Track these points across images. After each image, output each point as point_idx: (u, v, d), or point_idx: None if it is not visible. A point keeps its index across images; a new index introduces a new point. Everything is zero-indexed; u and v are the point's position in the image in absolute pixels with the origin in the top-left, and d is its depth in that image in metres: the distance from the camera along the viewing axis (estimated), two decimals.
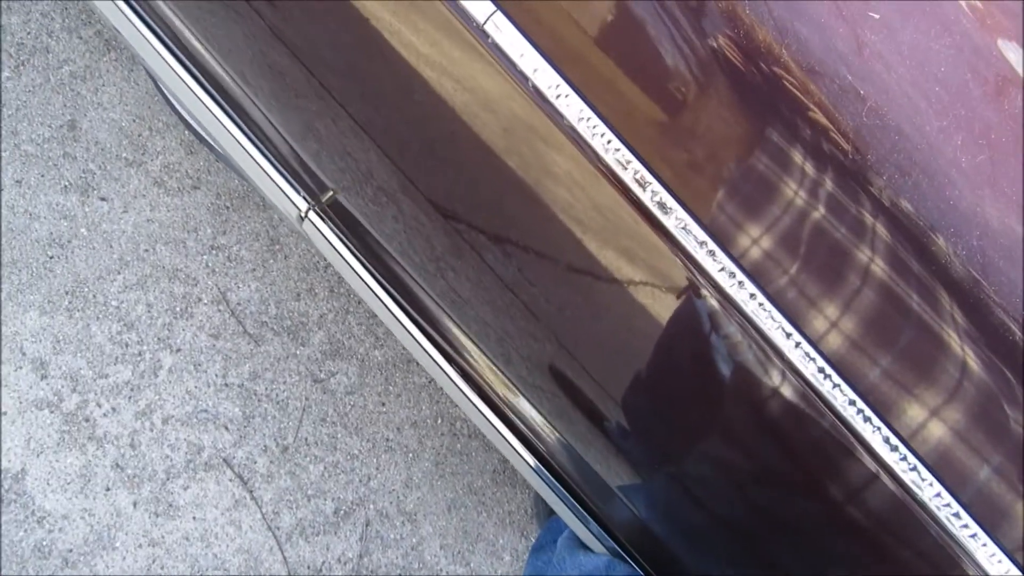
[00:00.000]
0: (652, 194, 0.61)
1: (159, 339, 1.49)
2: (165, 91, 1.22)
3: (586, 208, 0.68)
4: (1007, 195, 0.55)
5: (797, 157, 0.57)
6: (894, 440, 0.58)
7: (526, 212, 0.74)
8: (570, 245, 0.71)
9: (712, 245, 0.60)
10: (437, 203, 0.86)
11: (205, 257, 1.52)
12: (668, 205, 0.60)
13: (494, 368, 0.97)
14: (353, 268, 1.00)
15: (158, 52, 0.98)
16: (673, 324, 0.68)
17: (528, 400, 0.96)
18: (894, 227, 0.55)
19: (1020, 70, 0.55)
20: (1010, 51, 0.55)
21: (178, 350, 1.49)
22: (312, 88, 0.89)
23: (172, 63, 0.99)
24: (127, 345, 1.48)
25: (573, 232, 0.70)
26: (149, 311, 1.49)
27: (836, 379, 0.59)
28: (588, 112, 0.62)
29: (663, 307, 0.67)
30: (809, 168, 0.57)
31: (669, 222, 0.61)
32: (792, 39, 0.55)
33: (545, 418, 0.95)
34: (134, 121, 1.53)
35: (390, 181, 0.89)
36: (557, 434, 0.96)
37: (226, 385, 1.49)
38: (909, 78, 0.55)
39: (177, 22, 0.97)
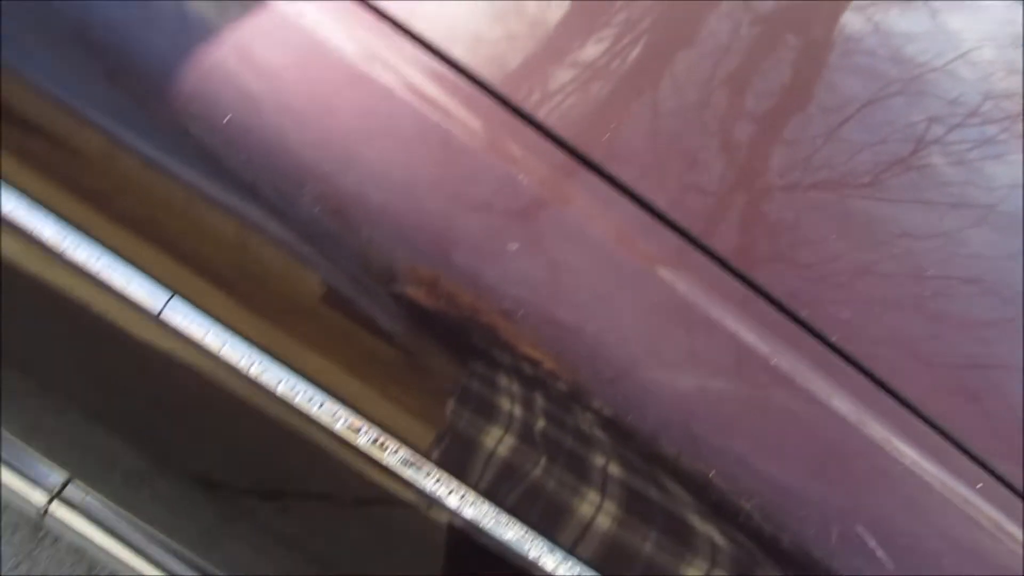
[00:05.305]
0: (368, 438, 0.62)
1: None
2: None
3: (332, 462, 0.68)
4: (679, 365, 0.62)
5: (500, 381, 0.60)
6: None
7: (292, 462, 0.73)
8: (346, 484, 0.70)
9: (438, 473, 0.62)
10: (196, 476, 0.82)
11: None
12: (386, 444, 0.62)
13: None
14: (114, 555, 0.92)
15: None
16: (447, 549, 0.68)
17: None
18: (614, 431, 0.60)
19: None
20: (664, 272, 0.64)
21: None
22: (28, 386, 0.84)
23: None
24: None
25: (348, 469, 0.69)
26: None
27: None
28: (285, 375, 0.63)
29: (436, 535, 0.67)
30: (511, 386, 0.60)
31: (392, 460, 0.62)
32: (478, 285, 0.60)
33: None
34: None
35: (137, 463, 0.84)
36: None
37: None
38: (561, 292, 0.61)
39: None
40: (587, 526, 0.61)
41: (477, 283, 0.60)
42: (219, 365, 0.64)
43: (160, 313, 0.63)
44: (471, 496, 0.61)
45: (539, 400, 0.60)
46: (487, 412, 0.61)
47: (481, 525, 0.61)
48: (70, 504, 0.91)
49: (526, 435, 0.61)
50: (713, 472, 0.59)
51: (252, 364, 0.62)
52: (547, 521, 0.62)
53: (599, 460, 0.60)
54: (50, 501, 0.91)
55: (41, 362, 0.81)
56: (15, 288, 0.72)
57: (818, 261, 0.74)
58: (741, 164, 0.79)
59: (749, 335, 0.64)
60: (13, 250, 0.70)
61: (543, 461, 0.61)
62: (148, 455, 0.82)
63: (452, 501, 0.62)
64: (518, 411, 0.61)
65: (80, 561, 1.39)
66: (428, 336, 0.62)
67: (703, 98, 0.81)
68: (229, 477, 0.80)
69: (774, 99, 0.87)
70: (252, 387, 0.64)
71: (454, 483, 0.61)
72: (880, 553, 0.59)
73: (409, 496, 0.67)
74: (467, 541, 0.66)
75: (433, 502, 0.62)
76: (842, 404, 0.63)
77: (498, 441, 0.62)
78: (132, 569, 0.92)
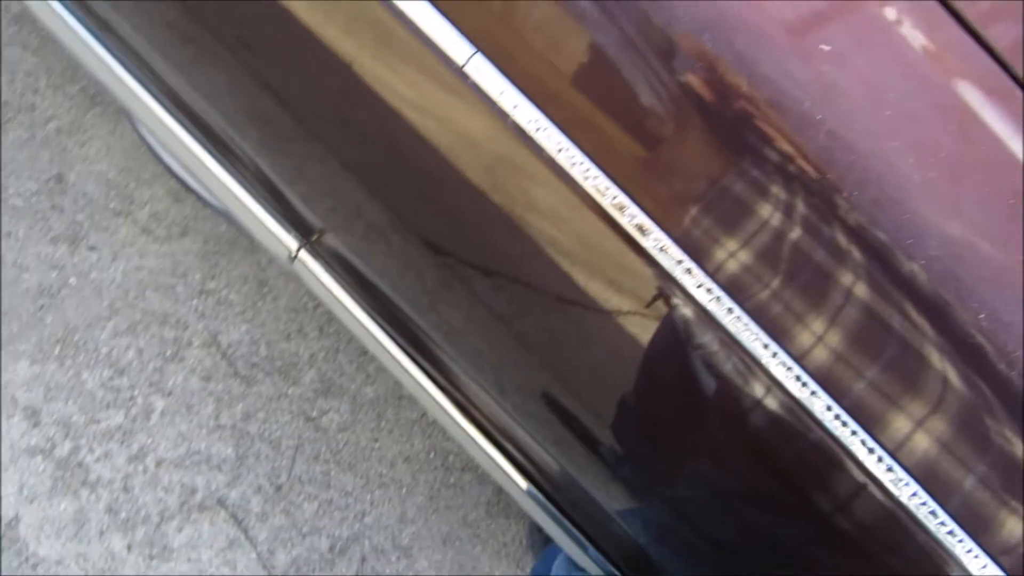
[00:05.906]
0: (630, 217, 0.64)
1: (150, 383, 1.49)
2: (150, 142, 1.24)
3: (571, 241, 0.71)
4: (960, 209, 0.58)
5: (765, 182, 0.60)
6: (879, 451, 0.61)
7: (514, 246, 0.77)
8: (557, 276, 0.73)
9: (689, 263, 0.63)
10: (426, 239, 0.88)
11: (195, 301, 1.53)
12: (645, 227, 0.63)
13: (488, 397, 0.98)
14: (344, 304, 1.02)
15: (145, 103, 1.01)
16: (654, 346, 0.70)
17: (522, 427, 0.97)
18: (863, 244, 0.58)
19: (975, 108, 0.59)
20: (966, 91, 0.59)
21: (170, 393, 1.49)
22: (299, 133, 0.92)
23: (157, 111, 1.01)
24: (118, 390, 1.48)
25: (560, 264, 0.72)
26: (140, 356, 1.50)
27: (817, 391, 0.61)
28: (566, 143, 0.65)
29: (647, 331, 0.70)
30: (777, 191, 0.60)
31: (647, 243, 0.63)
32: (754, 75, 0.59)
33: (540, 445, 0.97)
34: (121, 172, 1.55)
35: (379, 219, 0.92)
36: (553, 460, 0.97)
37: (219, 426, 1.50)
38: (863, 104, 0.59)
39: (163, 73, 0.99)
40: (820, 337, 0.61)
41: (770, 79, 0.59)
42: (501, 130, 0.67)
43: (463, 66, 0.66)
44: (717, 291, 0.62)
45: (800, 207, 0.60)
46: (743, 212, 0.61)
47: (721, 320, 0.63)
48: (316, 254, 1.01)
49: (778, 241, 0.61)
50: (982, 316, 0.57)
51: (538, 128, 0.65)
52: (780, 333, 0.62)
53: (847, 279, 0.60)
54: (300, 247, 1.01)
55: (311, 110, 0.88)
56: (303, 40, 0.78)
57: None
58: None
59: None
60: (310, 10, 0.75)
61: (790, 269, 0.61)
62: (391, 212, 0.89)
63: (700, 294, 0.63)
64: (776, 218, 0.60)
65: (293, 321, 1.56)
66: (698, 123, 0.62)
67: None
68: (457, 247, 0.86)
69: None
70: (516, 147, 0.67)
71: (702, 276, 0.63)
72: None
73: (639, 296, 0.68)
74: (678, 344, 0.67)
75: (680, 289, 0.64)
76: None
77: (744, 244, 0.62)
78: (356, 320, 1.02)
